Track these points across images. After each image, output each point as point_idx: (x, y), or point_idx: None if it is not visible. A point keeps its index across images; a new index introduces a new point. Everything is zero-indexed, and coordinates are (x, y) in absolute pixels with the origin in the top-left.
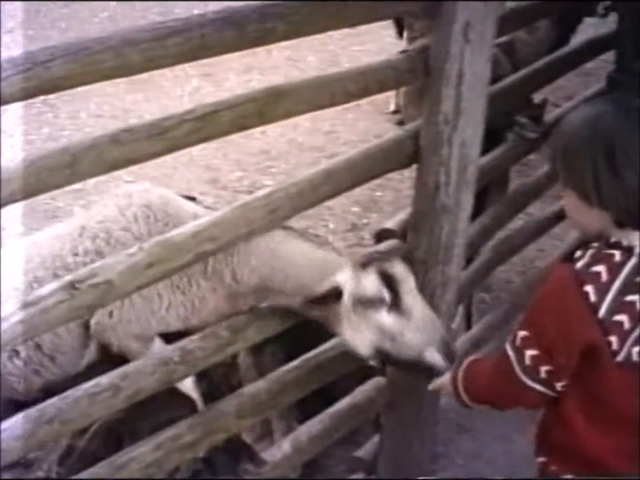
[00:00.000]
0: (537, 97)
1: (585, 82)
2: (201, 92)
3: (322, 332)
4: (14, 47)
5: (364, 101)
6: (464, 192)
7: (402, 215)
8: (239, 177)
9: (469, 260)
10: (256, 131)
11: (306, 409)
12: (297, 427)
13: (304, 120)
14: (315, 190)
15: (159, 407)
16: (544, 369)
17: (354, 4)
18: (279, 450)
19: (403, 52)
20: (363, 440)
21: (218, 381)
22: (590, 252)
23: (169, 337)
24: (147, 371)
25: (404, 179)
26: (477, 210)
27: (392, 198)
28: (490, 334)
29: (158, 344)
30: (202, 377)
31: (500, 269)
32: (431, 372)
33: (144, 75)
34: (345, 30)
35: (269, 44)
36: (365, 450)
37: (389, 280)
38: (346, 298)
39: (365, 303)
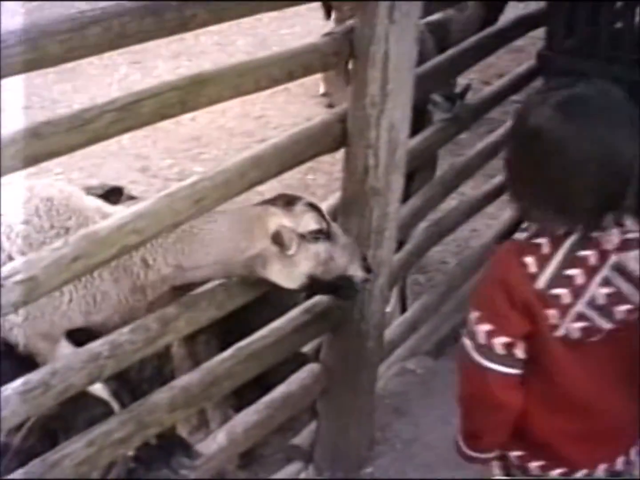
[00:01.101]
0: (466, 79)
1: (516, 59)
2: (130, 80)
3: (256, 318)
4: None
5: (293, 84)
6: (393, 175)
7: (332, 200)
8: (169, 165)
9: (401, 243)
10: (185, 117)
11: (242, 397)
12: (234, 416)
13: (233, 105)
14: (243, 177)
15: (92, 402)
16: (498, 341)
17: None
18: (214, 441)
19: (327, 34)
20: (300, 427)
21: (151, 374)
22: (535, 224)
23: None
24: (76, 367)
25: (335, 162)
26: (406, 193)
27: (324, 181)
28: (426, 315)
29: (64, 346)
30: (132, 372)
31: (434, 249)
32: (351, 285)
33: (72, 64)
34: (274, 13)
35: (190, 31)
36: (302, 438)
37: (318, 212)
38: (287, 238)
39: (306, 237)
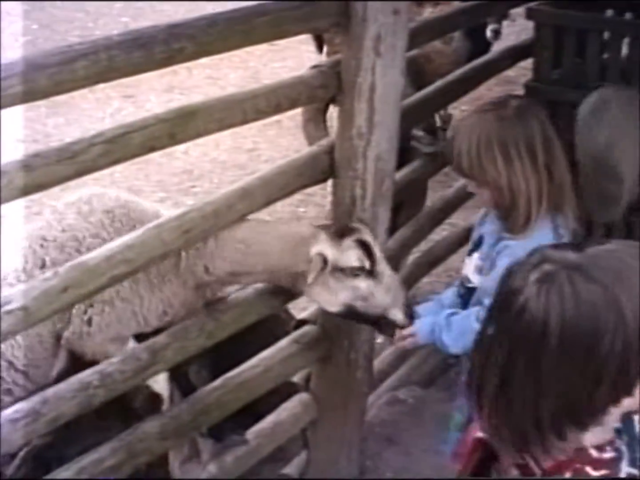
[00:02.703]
0: (457, 110)
1: (506, 90)
2: (122, 114)
3: (245, 347)
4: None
5: (284, 117)
6: (380, 206)
7: None
8: (161, 198)
9: None
10: (178, 150)
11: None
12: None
13: (225, 138)
14: (230, 208)
15: (85, 431)
16: None
17: (261, 21)
18: (205, 471)
19: (315, 67)
20: (290, 457)
21: (142, 404)
22: None
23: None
24: (67, 396)
25: (326, 194)
26: (395, 224)
27: (315, 213)
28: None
29: (131, 344)
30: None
31: (425, 280)
32: (393, 327)
33: (65, 98)
34: (266, 46)
35: (177, 64)
36: (292, 467)
37: (365, 249)
38: (313, 268)
39: (346, 270)
